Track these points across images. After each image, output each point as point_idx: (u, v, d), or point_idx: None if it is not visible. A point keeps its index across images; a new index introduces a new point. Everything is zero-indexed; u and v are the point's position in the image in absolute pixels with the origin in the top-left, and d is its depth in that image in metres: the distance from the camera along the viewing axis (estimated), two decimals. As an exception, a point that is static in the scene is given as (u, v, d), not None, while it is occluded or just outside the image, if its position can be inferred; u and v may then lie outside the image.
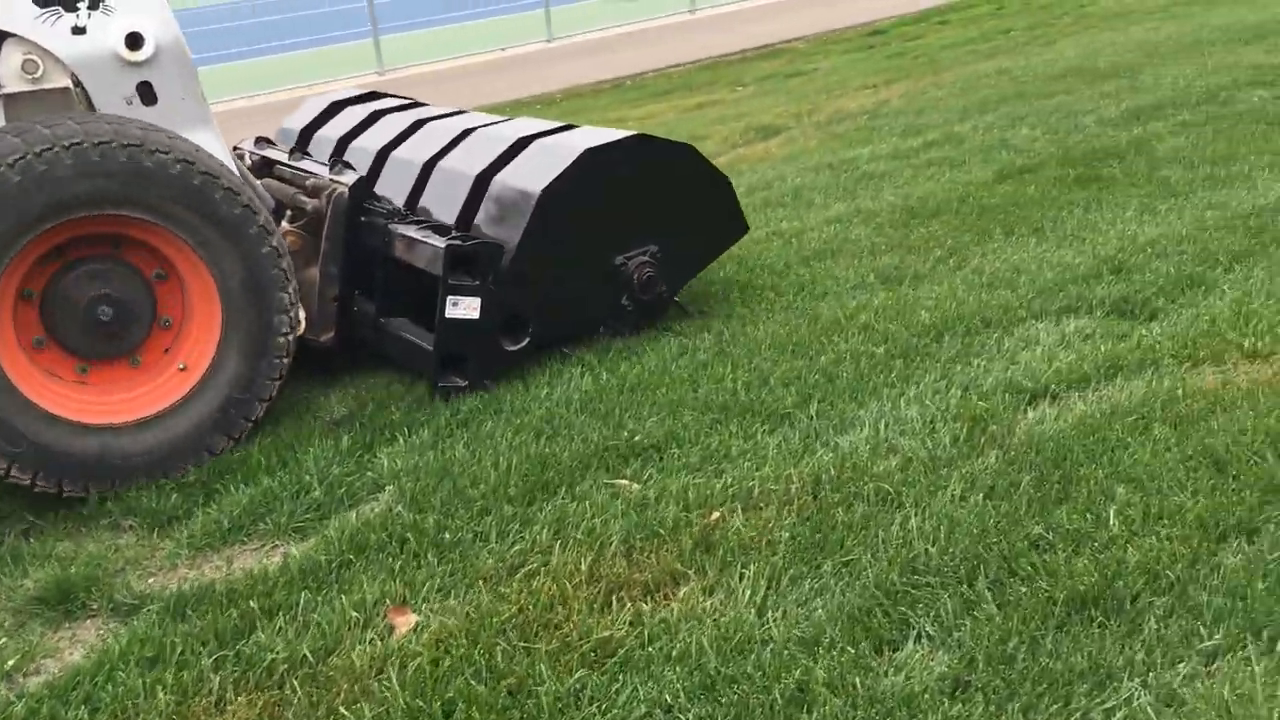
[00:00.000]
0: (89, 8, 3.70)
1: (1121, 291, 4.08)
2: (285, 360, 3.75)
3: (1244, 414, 3.10)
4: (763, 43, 15.56)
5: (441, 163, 4.45)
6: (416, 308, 4.09)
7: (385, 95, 5.70)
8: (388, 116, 5.16)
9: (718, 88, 12.41)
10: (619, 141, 4.12)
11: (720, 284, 4.74)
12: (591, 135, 4.24)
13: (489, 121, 4.76)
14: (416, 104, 5.43)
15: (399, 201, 4.40)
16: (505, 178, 4.09)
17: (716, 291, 4.67)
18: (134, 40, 3.77)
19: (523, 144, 4.21)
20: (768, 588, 2.64)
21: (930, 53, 11.98)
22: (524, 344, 3.99)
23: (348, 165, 4.35)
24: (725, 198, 4.40)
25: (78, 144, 3.35)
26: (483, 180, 4.16)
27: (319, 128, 5.41)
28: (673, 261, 4.24)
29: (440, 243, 3.85)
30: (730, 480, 3.13)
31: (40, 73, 3.69)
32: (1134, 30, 10.20)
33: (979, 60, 10.41)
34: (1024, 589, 2.51)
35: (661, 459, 3.34)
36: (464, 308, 3.82)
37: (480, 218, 4.10)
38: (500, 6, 18.90)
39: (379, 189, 4.42)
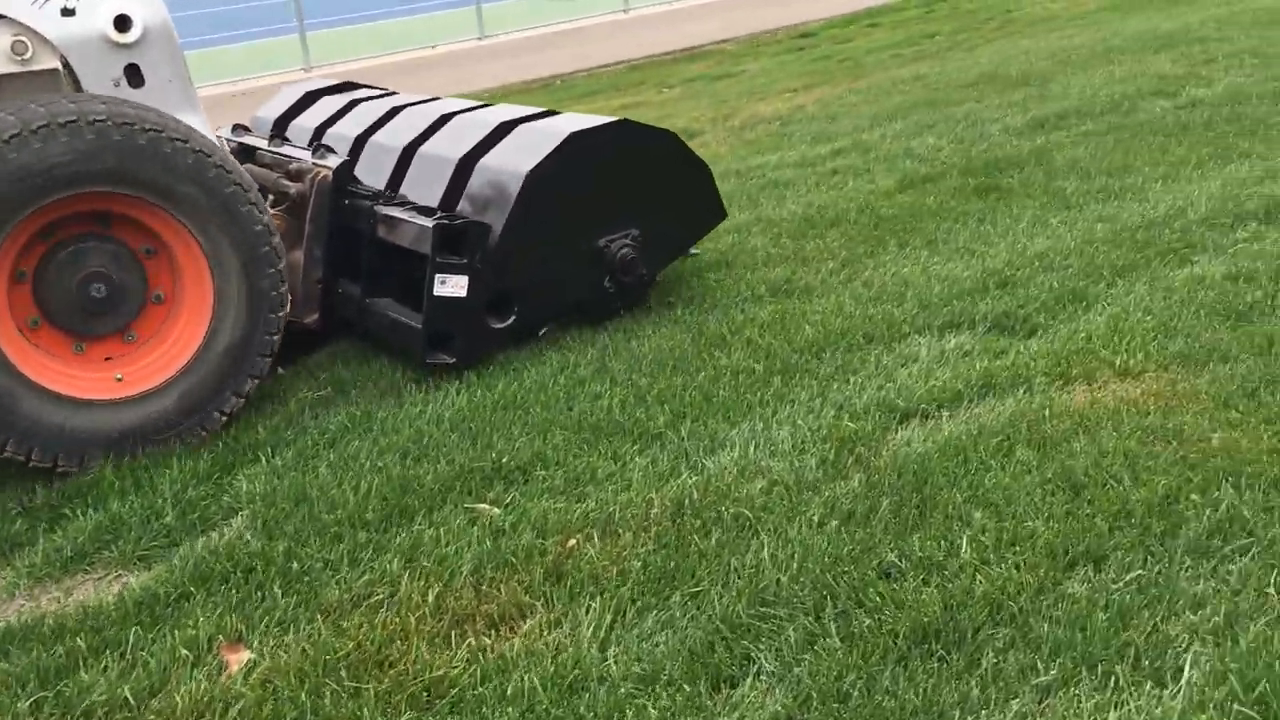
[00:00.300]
0: None
1: (1005, 307, 4.06)
2: (276, 337, 3.80)
3: (1107, 435, 3.08)
4: (695, 43, 15.54)
5: (422, 148, 4.53)
6: (401, 288, 4.18)
7: (361, 85, 5.81)
8: (364, 104, 5.24)
9: (645, 89, 12.35)
10: (603, 126, 4.24)
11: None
12: (575, 120, 4.35)
13: (468, 107, 4.83)
14: (392, 93, 5.53)
15: (379, 186, 4.49)
16: (490, 161, 4.18)
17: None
18: (122, 22, 3.82)
19: (505, 129, 4.31)
20: (613, 621, 2.57)
21: (856, 56, 12.02)
22: (510, 322, 4.10)
23: (330, 150, 4.41)
24: (704, 183, 4.53)
25: (72, 122, 3.37)
26: (466, 164, 4.24)
27: (295, 116, 5.48)
28: (653, 245, 4.34)
29: (429, 222, 3.94)
30: (592, 505, 3.06)
31: (29, 54, 3.72)
32: (1052, 37, 10.29)
33: (901, 65, 10.45)
34: (869, 621, 2.46)
35: (526, 481, 3.26)
36: (452, 286, 3.91)
37: (464, 201, 4.18)
38: (432, 3, 18.68)
39: (358, 174, 4.48)
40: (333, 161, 4.28)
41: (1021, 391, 3.43)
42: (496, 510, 3.11)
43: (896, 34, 13.60)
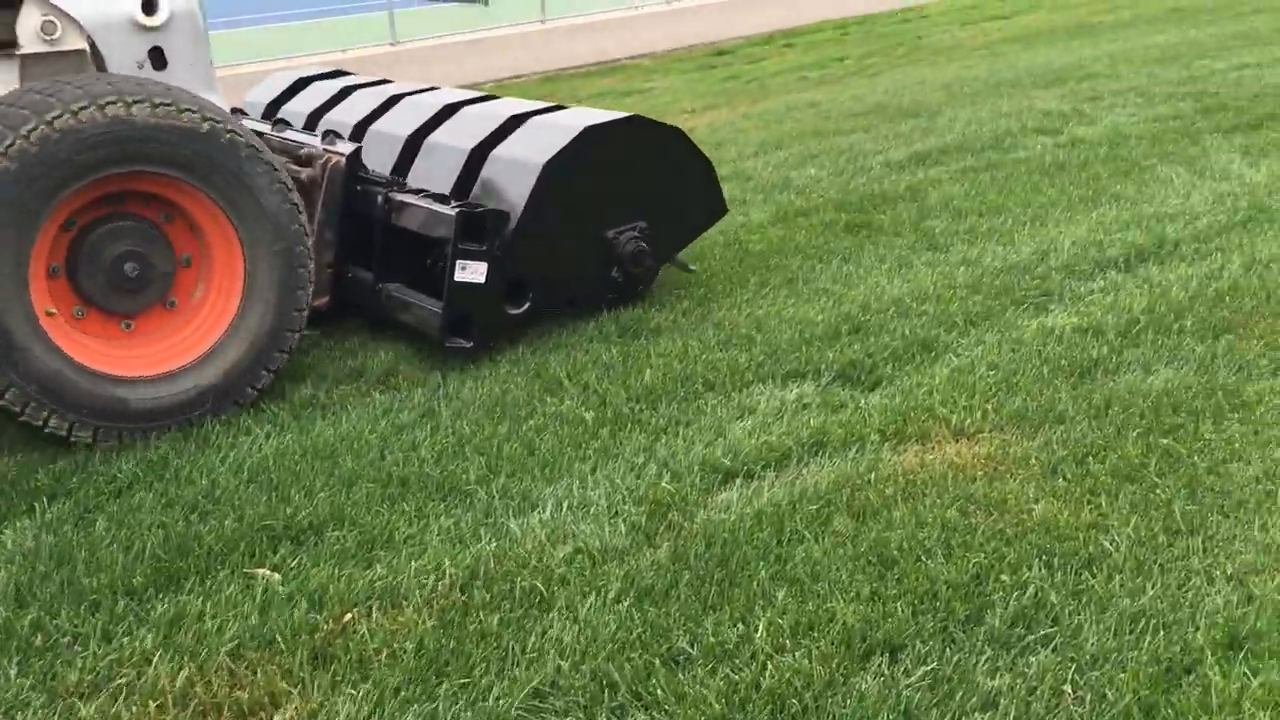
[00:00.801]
0: None
1: (853, 355, 3.92)
2: (304, 313, 3.89)
3: (929, 503, 2.94)
4: (610, 57, 15.40)
5: (430, 137, 4.65)
6: (411, 273, 4.31)
7: (351, 73, 5.88)
8: (359, 91, 5.39)
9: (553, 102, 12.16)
10: (615, 121, 4.31)
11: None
12: (588, 114, 4.44)
13: (471, 98, 4.92)
14: (386, 81, 5.65)
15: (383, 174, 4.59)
16: (503, 152, 4.29)
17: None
18: (149, 5, 3.90)
19: (517, 121, 4.42)
20: (370, 716, 2.34)
21: (762, 78, 11.97)
22: (524, 309, 4.20)
23: (339, 136, 4.51)
24: (708, 179, 4.66)
25: (111, 102, 3.40)
26: (478, 154, 4.36)
27: (286, 101, 5.58)
28: (659, 237, 4.48)
29: (451, 209, 4.04)
30: (380, 572, 2.83)
31: (58, 34, 3.77)
32: (952, 67, 10.31)
33: (804, 89, 10.39)
34: (643, 719, 2.27)
35: (319, 542, 3.02)
36: (471, 272, 4.02)
37: (476, 189, 4.28)
38: (343, 6, 18.27)
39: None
40: (344, 148, 4.35)
41: (853, 451, 3.28)
42: (276, 576, 2.86)
43: (807, 56, 13.60)
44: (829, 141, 7.25)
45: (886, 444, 3.32)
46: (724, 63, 14.22)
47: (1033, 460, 3.14)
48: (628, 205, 4.37)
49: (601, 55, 15.40)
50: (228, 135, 3.63)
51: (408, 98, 5.08)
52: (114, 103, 3.40)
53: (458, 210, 4.02)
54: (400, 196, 4.30)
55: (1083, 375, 3.65)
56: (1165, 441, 3.17)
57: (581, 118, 4.35)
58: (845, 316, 4.27)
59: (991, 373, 3.69)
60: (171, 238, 3.75)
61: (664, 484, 3.14)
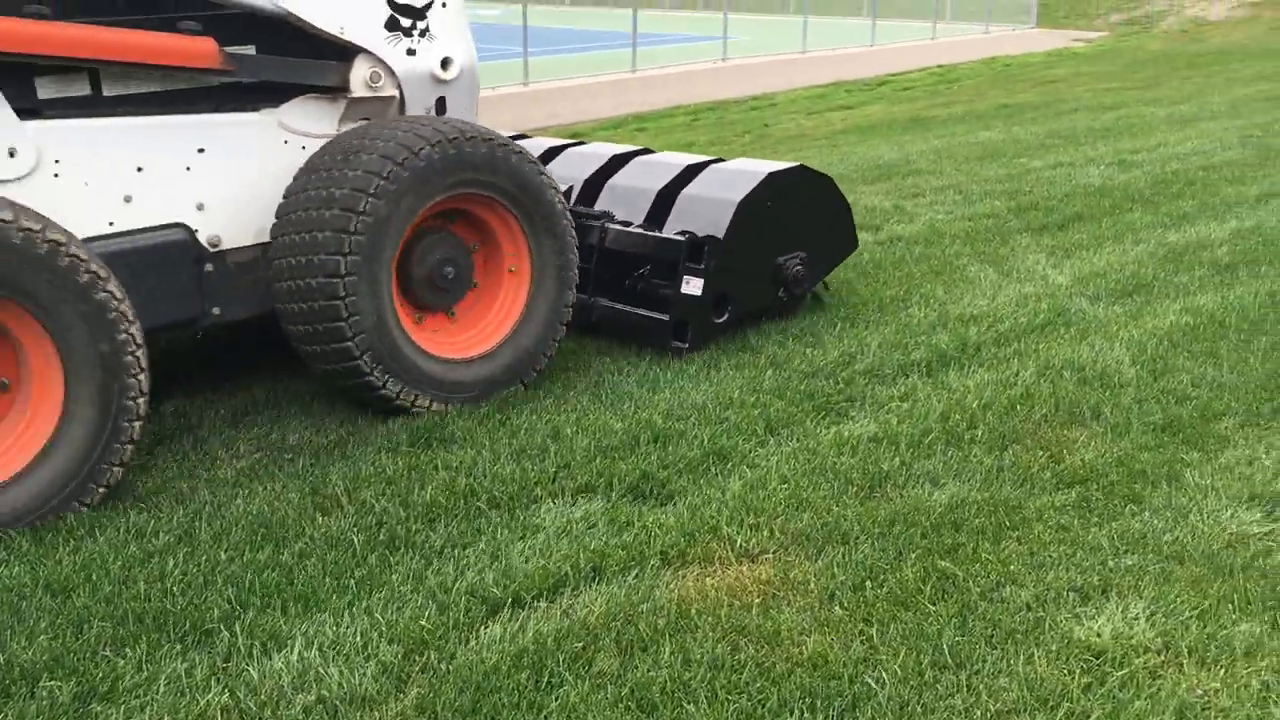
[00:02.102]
0: (420, 35, 4.44)
1: (648, 466, 3.79)
2: (571, 306, 4.62)
3: (700, 637, 2.80)
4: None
5: (611, 180, 5.38)
6: (616, 289, 5.04)
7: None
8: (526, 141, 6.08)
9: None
10: (791, 168, 5.16)
11: (225, 440, 4.17)
12: (764, 163, 5.25)
13: (634, 150, 5.64)
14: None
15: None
16: (693, 191, 5.06)
17: (220, 451, 4.08)
18: (446, 63, 4.55)
19: (695, 169, 5.24)
20: None
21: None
22: (725, 318, 4.97)
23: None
24: (848, 220, 5.45)
25: (458, 138, 4.15)
26: (664, 194, 5.14)
27: None
28: (812, 265, 5.25)
29: (680, 236, 4.85)
30: (91, 732, 2.54)
31: (380, 83, 4.38)
32: (789, 157, 10.50)
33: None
34: None
35: (32, 694, 2.70)
36: (692, 286, 4.78)
37: (670, 222, 5.02)
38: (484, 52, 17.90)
39: None
40: (560, 186, 4.76)
41: (632, 576, 3.13)
42: (-30, 741, 2.54)
43: (657, 140, 13.72)
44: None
45: (667, 567, 3.19)
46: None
47: (812, 585, 3.05)
48: (792, 237, 5.16)
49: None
50: (529, 165, 4.41)
51: (571, 148, 5.81)
52: (459, 138, 4.16)
53: (687, 237, 4.81)
54: (615, 226, 5.05)
55: (872, 489, 3.60)
56: (943, 564, 3.11)
57: (760, 165, 5.19)
58: (646, 424, 4.15)
59: (783, 487, 3.61)
60: (478, 249, 4.57)
61: (426, 618, 2.93)
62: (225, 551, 3.33)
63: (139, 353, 3.59)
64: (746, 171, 5.07)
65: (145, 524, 3.52)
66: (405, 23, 4.39)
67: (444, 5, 4.51)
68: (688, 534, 3.35)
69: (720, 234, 4.82)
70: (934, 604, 2.93)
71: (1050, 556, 3.15)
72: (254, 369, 4.83)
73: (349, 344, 4.01)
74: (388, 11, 4.34)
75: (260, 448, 4.12)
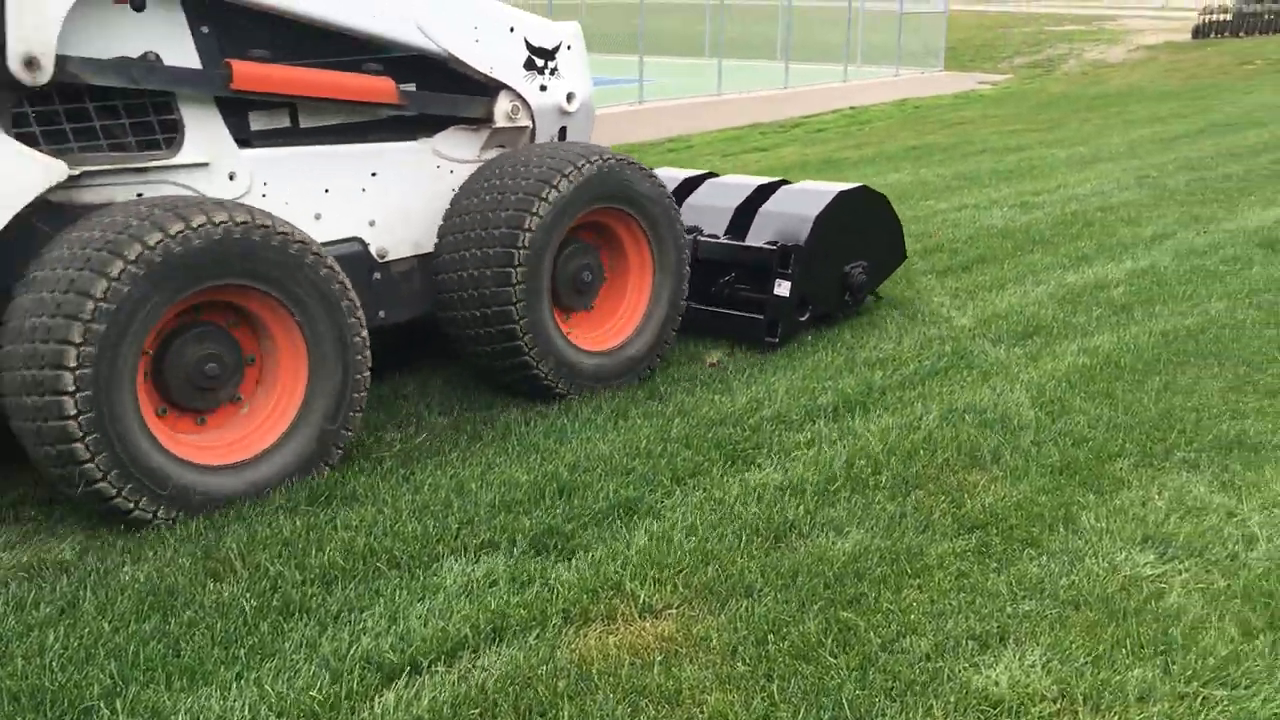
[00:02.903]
0: (550, 73, 5.10)
1: (553, 520, 3.75)
2: (681, 312, 5.29)
3: (599, 700, 2.76)
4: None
5: (688, 200, 6.02)
6: (703, 295, 5.67)
7: None
8: None
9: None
10: (855, 188, 5.93)
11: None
12: (832, 184, 6.01)
13: (702, 174, 6.33)
14: None
15: None
16: (771, 208, 5.75)
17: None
18: (570, 97, 5.21)
19: (767, 189, 5.97)
20: None
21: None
22: (806, 316, 5.66)
23: None
24: (899, 234, 6.17)
25: (599, 161, 4.79)
26: (742, 210, 5.84)
27: None
28: (871, 273, 5.95)
29: (772, 246, 5.54)
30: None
31: (518, 115, 5.01)
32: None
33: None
34: None
35: (-108, 786, 2.55)
36: (782, 289, 5.46)
37: (750, 235, 5.71)
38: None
39: None
40: None
41: (533, 636, 3.08)
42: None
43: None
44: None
45: (569, 626, 3.14)
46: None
47: (714, 641, 3.02)
48: (856, 248, 5.84)
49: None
50: (657, 182, 5.08)
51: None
52: (609, 163, 4.84)
53: (779, 246, 5.50)
54: (706, 238, 5.74)
55: (778, 539, 3.60)
56: (845, 614, 3.11)
57: (829, 185, 5.96)
58: (552, 476, 4.11)
59: (689, 539, 3.59)
60: (603, 255, 5.15)
61: (318, 689, 2.84)
62: (110, 622, 3.20)
63: (364, 333, 4.16)
64: (820, 190, 5.86)
65: (26, 595, 3.37)
66: (539, 63, 5.08)
67: (569, 48, 5.18)
68: (590, 590, 3.30)
69: (801, 243, 5.49)
70: (835, 656, 2.92)
71: (950, 604, 3.17)
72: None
73: (519, 342, 4.64)
74: (526, 54, 5.02)
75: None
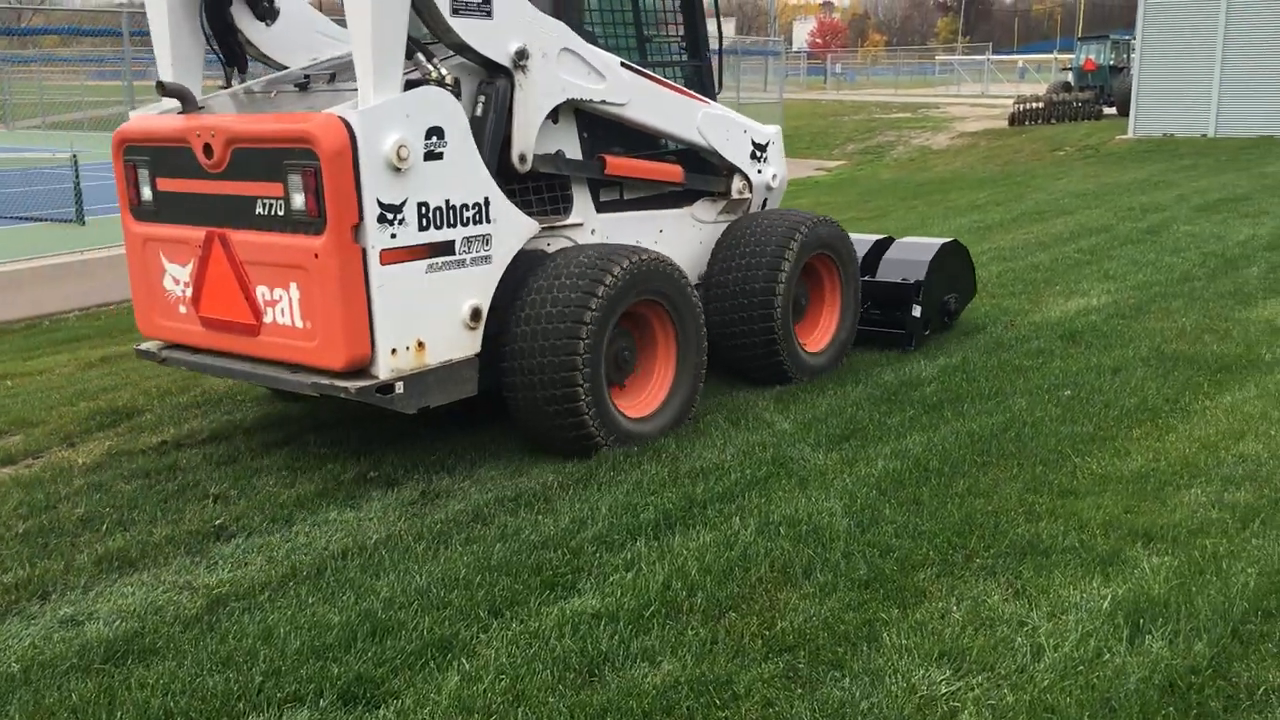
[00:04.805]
0: (763, 161, 7.11)
1: (364, 666, 3.65)
2: (855, 325, 7.42)
3: None
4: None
5: None
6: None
7: None
8: None
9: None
10: (951, 240, 7.92)
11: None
12: (934, 239, 8.00)
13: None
14: None
15: None
16: (893, 255, 7.80)
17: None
18: (774, 177, 7.24)
19: (883, 243, 7.95)
20: None
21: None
22: (927, 332, 7.73)
23: None
24: (973, 272, 8.27)
25: (815, 221, 6.91)
26: (868, 259, 7.80)
27: None
28: (959, 303, 8.07)
29: (910, 281, 7.58)
30: None
31: (744, 191, 7.02)
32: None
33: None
34: None
35: None
36: (916, 311, 7.53)
37: (878, 275, 7.72)
38: None
39: None
40: None
41: (332, 801, 2.97)
42: None
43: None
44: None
45: (372, 787, 3.04)
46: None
47: (519, 794, 2.97)
48: (949, 284, 7.89)
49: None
50: (845, 233, 7.20)
51: None
52: (820, 223, 6.91)
53: (915, 281, 7.55)
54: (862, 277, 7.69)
55: (590, 674, 3.59)
56: (651, 755, 3.11)
57: (933, 239, 7.93)
58: (366, 615, 4.02)
59: (501, 680, 3.55)
60: (809, 283, 7.15)
61: None
62: None
63: (704, 329, 6.16)
64: (928, 243, 7.86)
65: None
66: (758, 154, 7.10)
67: (773, 144, 7.23)
68: (396, 745, 3.22)
69: (922, 279, 7.54)
70: (638, 804, 2.91)
71: (754, 737, 3.20)
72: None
73: (776, 336, 6.59)
74: (751, 148, 7.04)
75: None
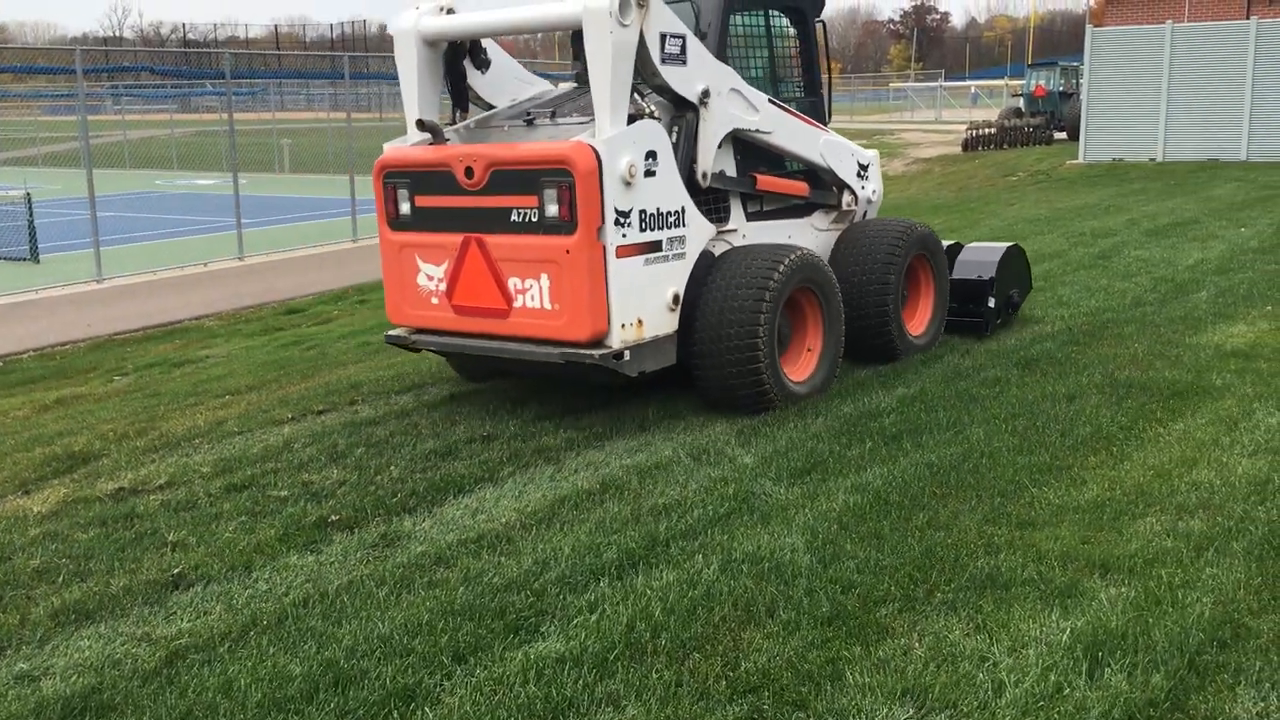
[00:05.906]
0: (865, 178, 8.46)
1: (326, 718, 3.63)
2: (945, 314, 8.94)
3: None
4: (173, 318, 14.47)
5: None
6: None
7: None
8: None
9: (95, 376, 11.17)
10: (1014, 245, 9.31)
11: None
12: (996, 243, 9.34)
13: None
14: None
15: None
16: (965, 257, 9.10)
17: None
18: (874, 193, 8.62)
19: (955, 247, 9.24)
20: None
21: (324, 344, 11.74)
22: (999, 320, 9.07)
23: None
24: (1029, 271, 9.56)
25: (914, 227, 8.31)
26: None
27: None
28: (1019, 298, 9.34)
29: (985, 278, 8.86)
30: None
31: (852, 204, 8.40)
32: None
33: (365, 357, 10.27)
34: None
35: None
36: (990, 302, 8.85)
37: (955, 272, 8.99)
38: None
39: None
40: None
41: None
42: None
43: (379, 315, 13.59)
44: (327, 445, 7.10)
45: (335, 844, 3.01)
46: (291, 323, 13.90)
47: (484, 847, 2.95)
48: (1012, 280, 9.15)
49: (164, 315, 14.51)
50: (938, 237, 8.67)
51: None
52: (918, 228, 8.28)
53: (990, 277, 8.79)
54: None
55: (555, 720, 3.58)
56: (617, 803, 3.10)
57: (998, 244, 9.23)
58: (329, 665, 3.99)
59: (463, 728, 3.52)
60: (908, 279, 8.47)
61: None
62: None
63: (842, 307, 7.47)
64: (993, 246, 9.17)
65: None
66: (862, 173, 8.39)
67: (872, 165, 8.54)
68: (360, 799, 3.19)
69: (993, 276, 8.80)
70: None
71: (719, 782, 3.20)
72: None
73: (889, 321, 7.95)
74: (857, 167, 8.32)
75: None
